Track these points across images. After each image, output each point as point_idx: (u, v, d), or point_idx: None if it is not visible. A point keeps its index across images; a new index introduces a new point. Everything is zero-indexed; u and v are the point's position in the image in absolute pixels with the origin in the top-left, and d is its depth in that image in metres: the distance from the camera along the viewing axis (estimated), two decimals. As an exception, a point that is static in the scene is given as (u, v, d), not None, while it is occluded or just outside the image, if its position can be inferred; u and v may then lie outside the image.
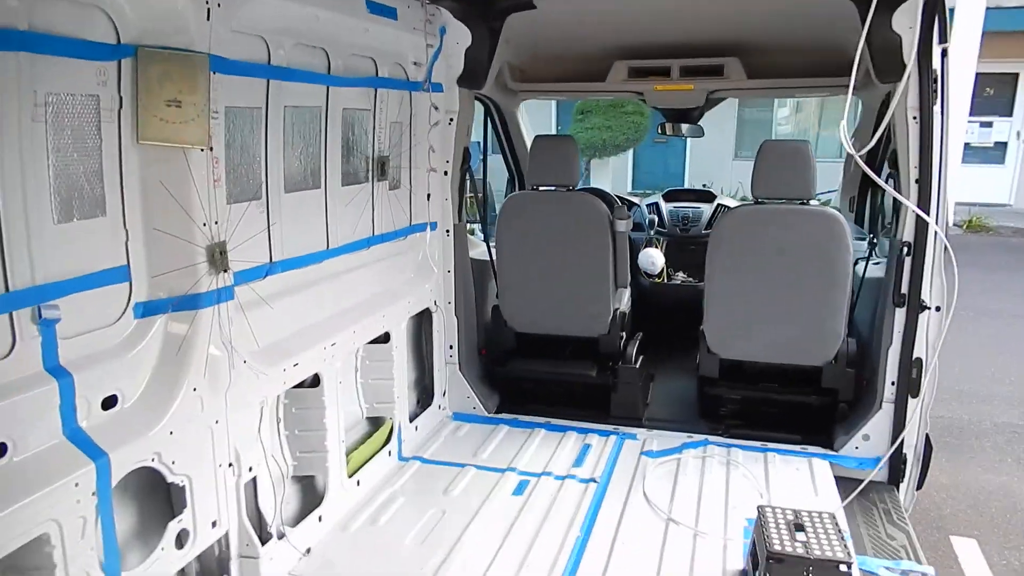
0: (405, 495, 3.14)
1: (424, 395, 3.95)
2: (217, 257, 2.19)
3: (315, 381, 2.81)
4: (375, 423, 3.45)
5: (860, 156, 2.69)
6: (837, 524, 2.48)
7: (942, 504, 4.53)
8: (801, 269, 3.42)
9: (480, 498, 3.11)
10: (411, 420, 3.64)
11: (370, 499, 3.08)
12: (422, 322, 3.85)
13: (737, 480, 3.25)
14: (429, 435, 3.75)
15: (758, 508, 2.55)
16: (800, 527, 2.46)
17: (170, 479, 2.08)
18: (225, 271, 2.23)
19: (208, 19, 2.06)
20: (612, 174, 16.05)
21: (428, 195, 3.69)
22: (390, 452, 3.39)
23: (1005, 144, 14.84)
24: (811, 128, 17.42)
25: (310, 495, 2.89)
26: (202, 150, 2.11)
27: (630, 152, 16.29)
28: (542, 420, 3.92)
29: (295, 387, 2.72)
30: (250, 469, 2.40)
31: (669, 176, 17.47)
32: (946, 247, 2.91)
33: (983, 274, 9.67)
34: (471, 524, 2.90)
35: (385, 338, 3.36)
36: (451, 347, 3.98)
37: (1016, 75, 14.53)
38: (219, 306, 2.21)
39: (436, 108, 3.59)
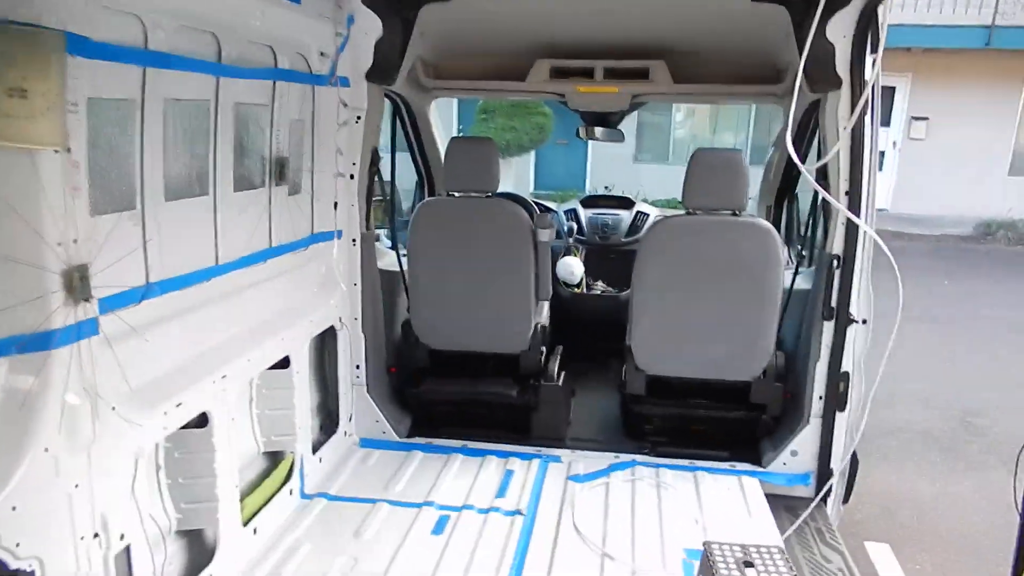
0: (310, 540, 2.78)
1: (328, 421, 3.58)
2: (76, 283, 1.77)
3: (202, 420, 2.41)
4: (273, 458, 3.06)
5: (809, 171, 2.57)
6: (787, 559, 2.33)
7: (854, 509, 4.57)
8: (733, 283, 3.29)
9: (396, 540, 2.79)
10: (314, 451, 3.27)
11: (270, 548, 2.71)
12: (325, 341, 3.48)
13: (670, 504, 3.08)
14: (335, 466, 3.39)
15: (704, 545, 2.37)
16: (749, 563, 2.30)
17: (13, 565, 1.65)
18: (87, 300, 1.82)
19: None
20: (515, 175, 15.91)
21: (335, 203, 3.32)
22: (291, 491, 3.02)
23: (883, 153, 15.73)
24: (705, 132, 17.93)
25: (198, 551, 2.49)
26: (56, 151, 1.69)
27: (532, 153, 16.20)
28: (459, 444, 3.63)
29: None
30: (122, 537, 1.98)
31: (571, 178, 17.55)
32: (889, 257, 2.78)
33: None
34: (388, 573, 2.59)
35: (285, 363, 2.99)
36: (357, 367, 3.63)
37: (893, 89, 15.43)
38: (79, 344, 1.80)
39: (345, 105, 3.23)
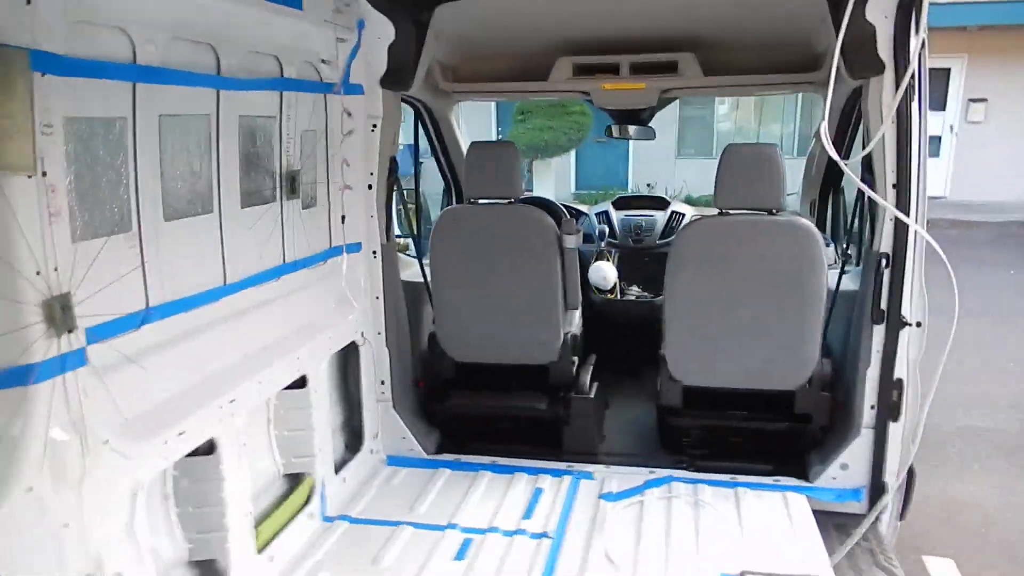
0: (327, 568, 2.68)
1: (353, 439, 3.48)
2: (58, 314, 1.69)
3: (211, 447, 2.33)
4: (294, 480, 2.97)
5: (846, 164, 2.35)
6: None
7: (912, 520, 4.27)
8: (771, 287, 3.07)
9: (416, 566, 2.66)
10: (337, 471, 3.17)
11: None
12: (348, 357, 3.39)
13: (708, 525, 2.88)
14: (359, 486, 3.29)
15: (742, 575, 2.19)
16: (790, 598, 2.11)
17: None
18: (71, 331, 1.73)
19: (29, 2, 1.57)
20: (555, 175, 15.74)
21: (343, 216, 3.22)
22: (311, 514, 2.92)
23: (940, 138, 15.05)
24: (750, 124, 17.44)
25: None
26: (29, 176, 1.61)
27: (572, 152, 16.00)
28: (488, 460, 3.50)
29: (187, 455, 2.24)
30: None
31: (612, 176, 17.28)
32: (942, 256, 2.54)
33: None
34: None
35: (302, 382, 2.90)
36: (383, 383, 3.53)
37: (948, 70, 14.76)
38: (63, 376, 1.72)
39: (350, 115, 3.11)
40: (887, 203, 2.62)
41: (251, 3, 2.39)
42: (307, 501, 2.91)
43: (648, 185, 16.53)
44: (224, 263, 2.52)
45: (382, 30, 3.10)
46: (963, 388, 5.76)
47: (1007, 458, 4.97)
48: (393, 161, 3.38)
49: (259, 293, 2.72)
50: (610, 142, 16.87)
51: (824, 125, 2.21)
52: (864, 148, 2.94)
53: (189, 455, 2.23)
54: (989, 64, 14.44)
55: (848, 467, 3.10)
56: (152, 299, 2.18)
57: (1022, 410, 5.71)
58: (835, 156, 2.14)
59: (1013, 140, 14.33)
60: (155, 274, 2.18)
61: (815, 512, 2.98)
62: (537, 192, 15.75)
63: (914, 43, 2.69)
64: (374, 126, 3.24)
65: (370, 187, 3.31)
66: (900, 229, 2.86)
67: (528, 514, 3.00)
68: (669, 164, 16.51)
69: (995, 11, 13.53)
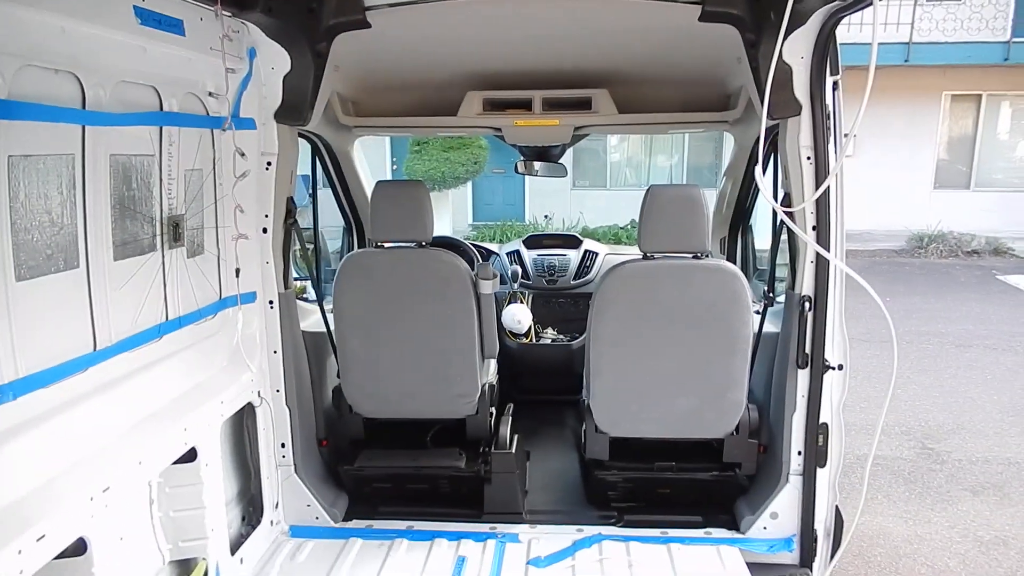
0: None
1: (252, 510, 3.11)
2: None
3: (80, 548, 1.94)
4: (184, 567, 2.58)
5: (785, 213, 2.27)
6: None
7: (827, 555, 4.30)
8: (698, 333, 2.97)
9: None
10: (233, 551, 2.79)
11: None
12: (244, 420, 3.02)
13: None
14: (260, 566, 2.92)
15: None
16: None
17: None
18: None
19: None
20: (452, 207, 15.58)
21: (237, 270, 2.88)
22: None
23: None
24: (640, 155, 17.97)
25: None
26: None
27: (469, 184, 15.92)
28: (403, 526, 3.20)
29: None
30: None
31: (509, 208, 17.34)
32: (877, 300, 2.48)
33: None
34: None
35: (191, 455, 2.52)
36: (283, 445, 3.17)
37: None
38: None
39: (243, 155, 2.80)
40: (820, 248, 2.56)
41: (122, 27, 2.06)
42: None
43: (546, 216, 16.67)
44: (93, 325, 2.16)
45: (276, 60, 2.82)
46: (857, 416, 5.91)
47: (907, 487, 5.11)
48: (291, 202, 3.08)
49: (137, 357, 2.36)
50: (507, 173, 16.95)
51: (759, 169, 2.12)
52: (778, 188, 2.91)
53: (53, 559, 1.85)
54: (856, 101, 15.47)
55: (778, 516, 3.02)
56: (2, 376, 1.80)
57: (913, 436, 5.93)
58: (775, 205, 2.04)
59: (878, 172, 15.39)
60: (3, 345, 1.81)
61: (748, 564, 2.87)
62: (435, 224, 15.56)
63: (829, 83, 2.69)
64: (268, 164, 2.93)
65: (265, 231, 2.99)
66: (821, 271, 2.83)
67: None
68: (565, 195, 16.72)
69: (860, 52, 14.55)
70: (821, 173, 2.74)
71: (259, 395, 3.02)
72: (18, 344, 1.85)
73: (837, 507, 3.05)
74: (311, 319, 3.50)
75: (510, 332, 4.27)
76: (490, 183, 17.05)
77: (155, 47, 2.19)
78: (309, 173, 3.97)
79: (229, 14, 2.46)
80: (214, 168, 2.72)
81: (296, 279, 3.90)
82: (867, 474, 2.72)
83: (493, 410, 3.48)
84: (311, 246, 3.84)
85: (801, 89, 2.69)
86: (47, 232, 1.97)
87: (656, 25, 2.91)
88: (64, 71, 1.93)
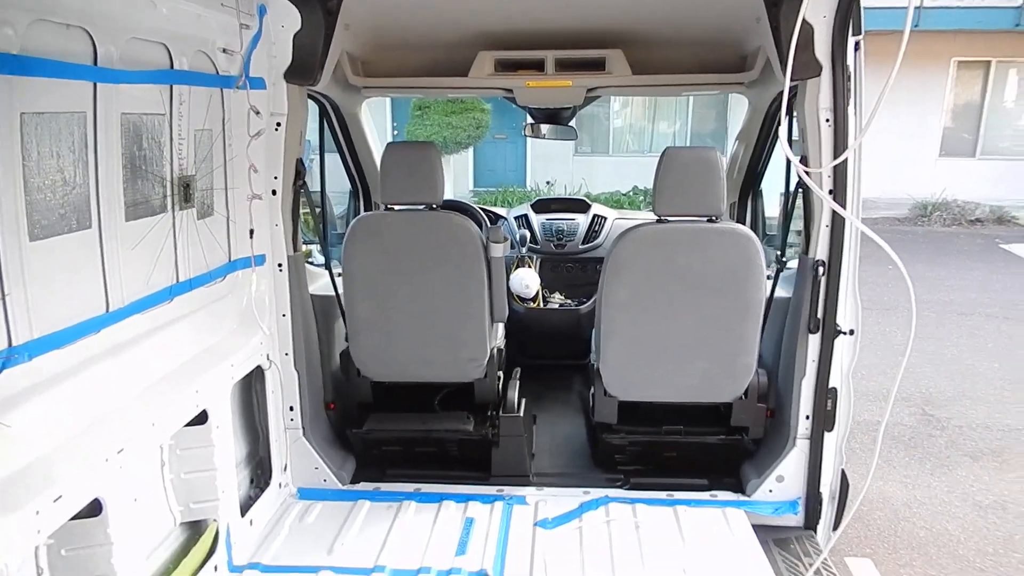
0: None
1: (260, 473, 3.14)
2: None
3: (95, 509, 1.96)
4: (194, 529, 2.61)
5: (809, 175, 2.24)
6: None
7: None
8: (712, 297, 2.96)
9: None
10: (243, 512, 2.82)
11: None
12: (253, 383, 3.03)
13: (651, 549, 2.74)
14: (269, 527, 2.95)
15: None
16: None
17: None
18: None
19: None
20: (454, 173, 15.47)
21: (251, 231, 2.86)
22: (216, 565, 2.57)
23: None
24: (642, 121, 17.79)
25: None
26: None
27: (470, 149, 15.78)
28: (411, 488, 3.23)
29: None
30: None
31: (511, 173, 17.22)
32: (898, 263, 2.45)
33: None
34: None
35: (202, 418, 2.54)
36: (291, 408, 3.19)
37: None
38: None
39: (258, 113, 2.76)
40: (840, 208, 2.54)
41: None
42: (211, 551, 2.56)
43: (548, 183, 16.56)
44: (106, 287, 2.15)
45: (286, 18, 2.77)
46: (859, 383, 5.93)
47: (907, 452, 5.16)
48: (300, 163, 3.05)
49: (149, 319, 2.36)
50: (509, 139, 16.80)
51: (783, 130, 2.09)
52: (801, 151, 2.88)
53: (69, 519, 1.86)
54: (874, 66, 15.31)
55: (784, 479, 3.05)
56: (16, 337, 1.80)
57: (913, 403, 5.97)
58: (801, 170, 2.01)
59: (884, 139, 15.26)
60: (19, 306, 1.80)
61: (754, 527, 2.91)
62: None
63: (851, 44, 2.65)
64: (278, 124, 2.89)
65: (274, 192, 2.97)
66: (836, 236, 2.82)
67: (462, 549, 2.76)
68: (567, 162, 16.59)
69: (870, 16, 14.33)
70: (840, 136, 2.72)
71: (268, 358, 3.02)
72: (32, 305, 1.84)
73: (843, 471, 3.08)
74: (319, 282, 3.49)
75: (518, 296, 4.27)
76: (492, 148, 16.91)
77: (165, 2, 2.14)
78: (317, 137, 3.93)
79: (238, -31, 2.42)
80: (223, 128, 2.69)
81: (311, 243, 3.89)
82: (879, 440, 2.72)
83: (501, 374, 3.49)
84: (318, 209, 3.82)
85: (822, 49, 2.65)
86: (60, 192, 1.95)
87: None
88: (75, 26, 1.90)
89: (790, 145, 3.15)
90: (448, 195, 5.22)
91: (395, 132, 16.27)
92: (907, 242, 12.94)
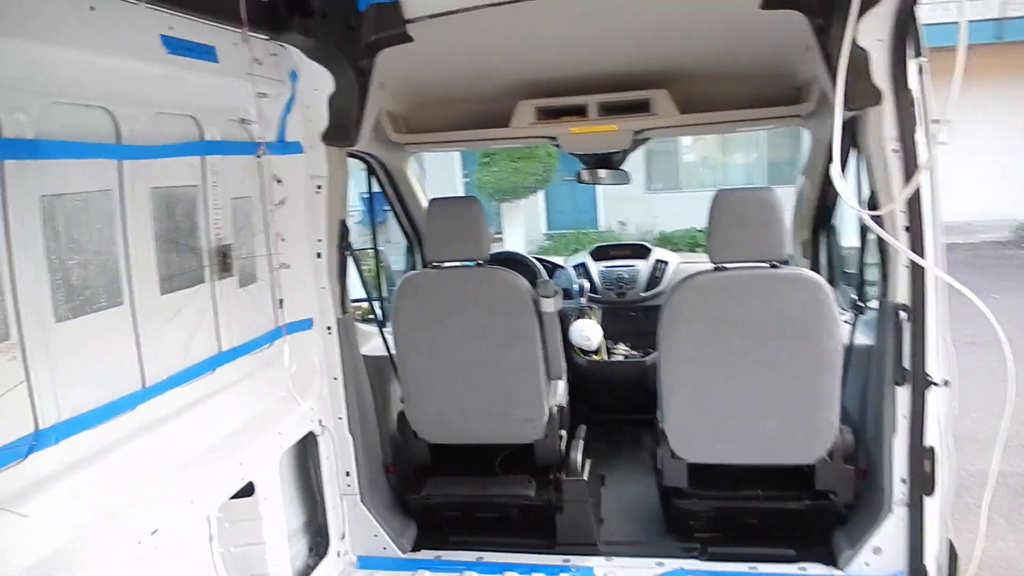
0: None
1: (317, 540, 3.04)
2: None
3: None
4: (248, 603, 2.52)
5: (871, 217, 2.00)
6: None
7: (941, 585, 3.89)
8: (779, 349, 2.70)
9: None
10: None
11: None
12: (306, 449, 2.95)
13: None
14: None
15: None
16: None
17: None
18: None
19: None
20: (524, 217, 15.46)
21: (280, 300, 2.81)
22: None
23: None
24: (715, 154, 17.39)
25: None
26: None
27: (541, 193, 15.77)
28: (473, 557, 3.06)
29: None
30: None
31: (582, 215, 17.07)
32: (986, 313, 2.18)
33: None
34: None
35: (249, 490, 2.46)
36: (347, 474, 3.09)
37: (907, 93, 14.84)
38: None
39: (279, 181, 2.73)
40: (907, 250, 2.27)
41: (150, 58, 2.00)
42: None
43: (620, 223, 16.33)
44: (141, 362, 2.11)
45: (319, 81, 2.74)
46: (970, 427, 5.41)
47: (1029, 505, 4.63)
48: (343, 225, 3.00)
49: (190, 391, 2.32)
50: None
51: (836, 167, 1.88)
52: (861, 185, 2.62)
53: None
54: (946, 84, 14.53)
55: (882, 551, 2.71)
56: (43, 420, 1.76)
57: (1032, 447, 5.38)
58: (856, 208, 1.79)
59: (975, 160, 14.38)
60: (45, 388, 1.77)
61: None
62: (508, 234, 15.47)
63: (912, 67, 2.40)
64: (319, 187, 2.86)
65: (319, 255, 2.92)
66: (917, 276, 2.53)
67: None
68: (639, 200, 16.33)
69: (948, 31, 13.63)
70: (910, 167, 2.45)
71: (320, 423, 2.95)
72: (60, 386, 1.81)
73: (950, 540, 2.72)
74: (373, 342, 3.42)
75: (579, 349, 4.07)
76: (561, 191, 16.83)
77: (188, 75, 2.13)
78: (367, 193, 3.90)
79: (266, 37, 2.40)
80: (262, 194, 2.66)
81: (363, 300, 3.83)
82: (987, 498, 2.39)
83: (564, 433, 3.30)
84: (373, 270, 3.78)
85: (881, 75, 2.41)
86: (87, 271, 1.93)
87: (714, 16, 2.69)
88: (95, 106, 1.89)
89: (857, 180, 2.89)
90: (520, 240, 5.10)
91: (466, 180, 16.46)
92: (1012, 267, 12.01)
